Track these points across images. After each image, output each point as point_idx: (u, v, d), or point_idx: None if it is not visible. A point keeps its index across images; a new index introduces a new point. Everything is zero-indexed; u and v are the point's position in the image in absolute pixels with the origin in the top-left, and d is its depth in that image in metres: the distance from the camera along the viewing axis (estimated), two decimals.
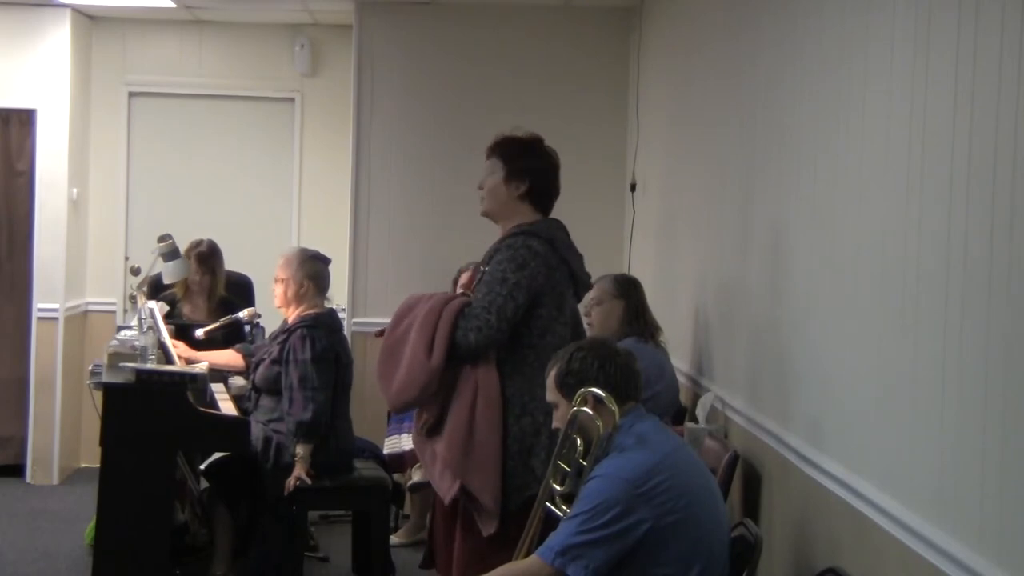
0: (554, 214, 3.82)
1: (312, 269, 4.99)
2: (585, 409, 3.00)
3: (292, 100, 7.53)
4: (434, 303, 3.60)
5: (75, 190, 7.13)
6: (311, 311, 4.93)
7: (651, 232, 5.90)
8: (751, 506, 3.86)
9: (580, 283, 3.82)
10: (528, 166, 3.73)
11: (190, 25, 7.43)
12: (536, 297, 3.61)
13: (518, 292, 3.56)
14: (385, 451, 5.63)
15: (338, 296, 6.18)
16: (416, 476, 5.64)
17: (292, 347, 4.80)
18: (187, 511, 5.60)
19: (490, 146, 3.80)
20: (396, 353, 3.60)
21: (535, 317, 3.61)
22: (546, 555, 2.86)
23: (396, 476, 5.62)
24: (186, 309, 5.74)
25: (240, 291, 6.06)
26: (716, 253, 4.56)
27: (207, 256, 5.76)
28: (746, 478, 3.91)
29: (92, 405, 5.45)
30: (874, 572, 2.79)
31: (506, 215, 3.74)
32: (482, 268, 3.65)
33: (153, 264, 5.40)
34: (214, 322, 5.53)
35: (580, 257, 3.80)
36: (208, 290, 5.76)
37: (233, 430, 4.73)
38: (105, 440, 4.60)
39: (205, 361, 5.17)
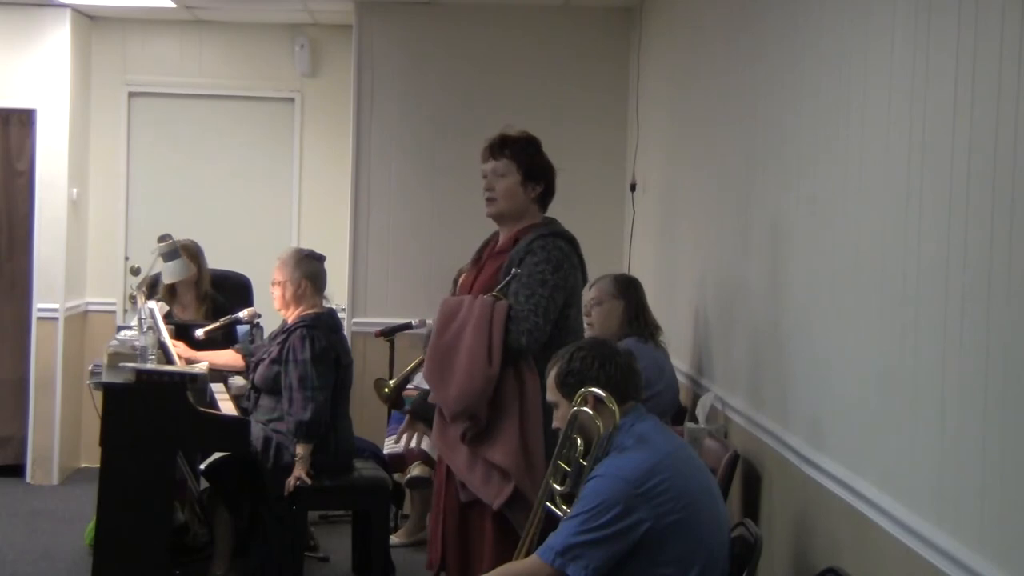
0: (555, 214, 3.83)
1: (309, 268, 4.99)
2: (585, 409, 3.00)
3: (292, 100, 7.53)
4: (482, 307, 3.56)
5: (75, 190, 7.13)
6: (311, 311, 4.93)
7: (651, 232, 5.90)
8: (751, 506, 3.86)
9: (584, 283, 3.87)
10: (542, 166, 3.76)
11: (190, 25, 7.42)
12: (567, 298, 3.64)
13: (557, 293, 3.59)
14: (385, 451, 5.63)
15: (338, 296, 6.17)
16: (415, 471, 5.64)
17: (292, 347, 4.80)
18: (187, 511, 5.61)
19: (492, 146, 3.76)
20: (449, 359, 3.57)
21: (564, 318, 3.64)
22: (546, 555, 2.87)
23: (396, 476, 5.62)
24: (176, 308, 5.73)
25: (239, 291, 6.06)
26: (716, 253, 4.56)
27: (193, 251, 5.76)
28: (746, 478, 3.91)
29: (92, 405, 5.46)
30: (874, 572, 2.78)
31: (518, 216, 3.74)
32: (514, 269, 3.62)
33: (153, 264, 5.40)
34: (203, 320, 5.53)
35: None
36: (196, 285, 5.75)
37: (233, 430, 4.73)
38: (105, 440, 4.60)
39: (205, 361, 5.17)
